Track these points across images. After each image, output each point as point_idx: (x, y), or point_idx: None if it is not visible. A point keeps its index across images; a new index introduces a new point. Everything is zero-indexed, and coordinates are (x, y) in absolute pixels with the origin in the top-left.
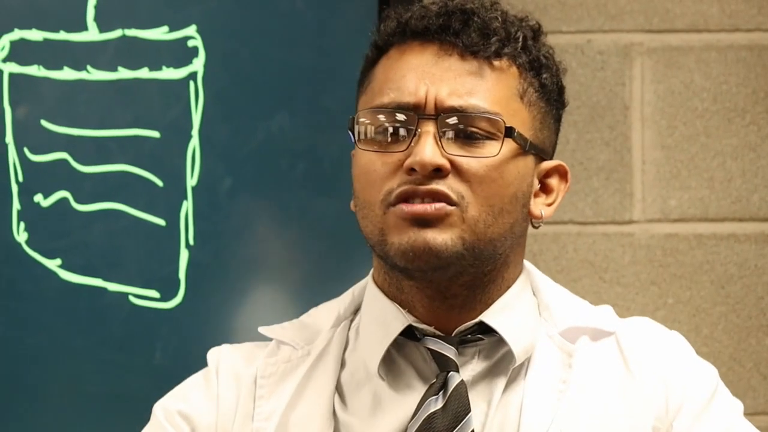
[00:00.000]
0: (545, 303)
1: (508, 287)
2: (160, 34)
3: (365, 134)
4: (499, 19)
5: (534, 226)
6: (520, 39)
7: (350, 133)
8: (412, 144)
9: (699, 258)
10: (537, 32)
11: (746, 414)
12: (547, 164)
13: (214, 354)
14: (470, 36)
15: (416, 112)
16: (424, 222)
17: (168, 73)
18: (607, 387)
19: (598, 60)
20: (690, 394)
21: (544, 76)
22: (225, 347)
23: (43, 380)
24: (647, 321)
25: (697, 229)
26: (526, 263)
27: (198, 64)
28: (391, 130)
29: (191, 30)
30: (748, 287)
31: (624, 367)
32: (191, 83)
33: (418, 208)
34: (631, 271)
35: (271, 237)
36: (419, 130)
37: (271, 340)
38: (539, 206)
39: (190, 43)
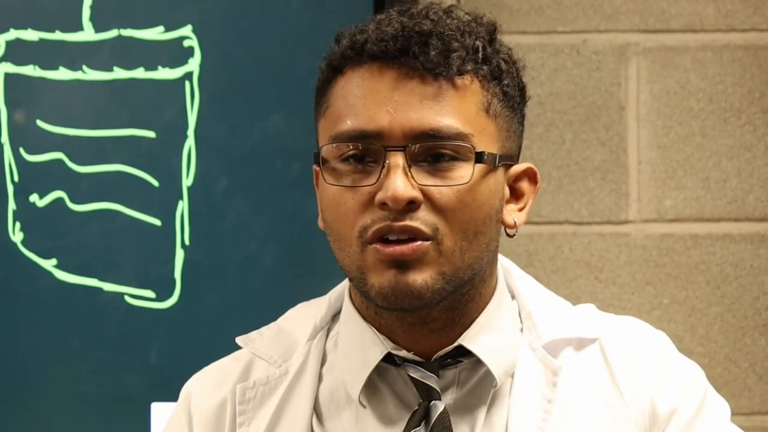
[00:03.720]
0: (527, 310)
1: (486, 303)
2: (155, 34)
3: (332, 168)
4: (458, 35)
5: (509, 236)
6: (480, 49)
7: (316, 167)
8: (382, 176)
9: (695, 258)
10: (492, 33)
11: (741, 414)
12: (515, 169)
13: (185, 392)
14: (430, 58)
15: (382, 142)
16: (403, 264)
17: (164, 73)
18: (592, 403)
19: (593, 60)
20: (679, 405)
21: (506, 82)
22: (194, 382)
23: (39, 380)
24: (631, 323)
25: (692, 229)
26: (506, 262)
27: (194, 64)
28: (358, 162)
29: (187, 30)
30: (743, 287)
31: (610, 379)
32: (187, 83)
33: (396, 250)
34: (626, 271)
35: (266, 237)
36: (387, 161)
37: None
38: (511, 214)
39: (186, 43)
